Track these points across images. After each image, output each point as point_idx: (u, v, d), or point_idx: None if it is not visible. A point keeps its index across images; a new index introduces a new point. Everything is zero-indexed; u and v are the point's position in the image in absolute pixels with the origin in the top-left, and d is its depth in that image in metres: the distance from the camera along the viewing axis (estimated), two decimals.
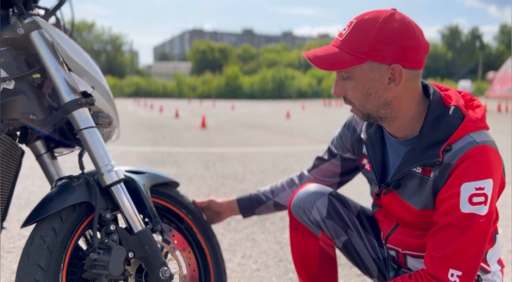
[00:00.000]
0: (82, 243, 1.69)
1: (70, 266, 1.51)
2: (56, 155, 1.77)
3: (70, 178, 1.60)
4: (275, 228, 3.51)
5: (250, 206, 1.89)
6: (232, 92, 47.58)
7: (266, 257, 2.91)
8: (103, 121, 1.62)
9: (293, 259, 1.75)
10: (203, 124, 11.72)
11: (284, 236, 3.32)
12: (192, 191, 4.55)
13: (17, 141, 1.63)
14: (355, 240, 1.68)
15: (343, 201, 1.71)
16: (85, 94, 1.57)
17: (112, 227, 1.54)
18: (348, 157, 1.76)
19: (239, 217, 3.92)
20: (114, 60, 61.33)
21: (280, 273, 2.69)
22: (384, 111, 1.41)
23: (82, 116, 1.55)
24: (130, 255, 1.56)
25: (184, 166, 5.91)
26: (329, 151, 1.81)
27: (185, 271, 1.77)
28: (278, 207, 1.89)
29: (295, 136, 9.73)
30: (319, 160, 1.83)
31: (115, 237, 1.53)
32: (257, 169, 5.85)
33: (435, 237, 1.35)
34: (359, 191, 3.86)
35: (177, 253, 1.76)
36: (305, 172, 1.87)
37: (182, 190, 4.81)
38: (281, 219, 3.71)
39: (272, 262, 2.84)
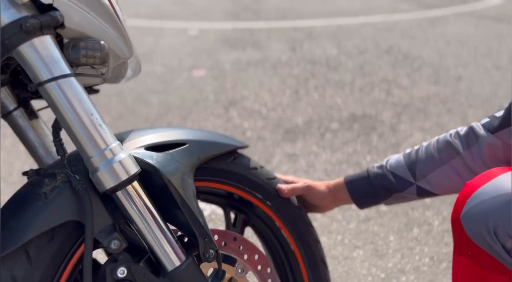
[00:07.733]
0: None
1: None
2: (35, 110, 1.03)
3: (40, 173, 0.87)
4: (386, 145, 2.70)
5: (372, 195, 1.11)
6: None
7: None
8: (91, 58, 0.82)
9: None
10: None
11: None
12: (277, 85, 3.76)
13: None
14: None
15: None
16: (41, 7, 0.77)
17: (121, 271, 0.82)
18: None
19: (335, 125, 3.18)
20: None
21: (399, 226, 1.94)
22: None
23: (39, 55, 0.77)
24: None
25: (266, 48, 5.06)
26: None
27: None
28: (425, 195, 1.08)
29: None
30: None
31: None
32: (354, 49, 4.89)
33: None
34: None
35: (250, 273, 1.04)
36: (481, 130, 1.00)
37: (265, 81, 4.13)
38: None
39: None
